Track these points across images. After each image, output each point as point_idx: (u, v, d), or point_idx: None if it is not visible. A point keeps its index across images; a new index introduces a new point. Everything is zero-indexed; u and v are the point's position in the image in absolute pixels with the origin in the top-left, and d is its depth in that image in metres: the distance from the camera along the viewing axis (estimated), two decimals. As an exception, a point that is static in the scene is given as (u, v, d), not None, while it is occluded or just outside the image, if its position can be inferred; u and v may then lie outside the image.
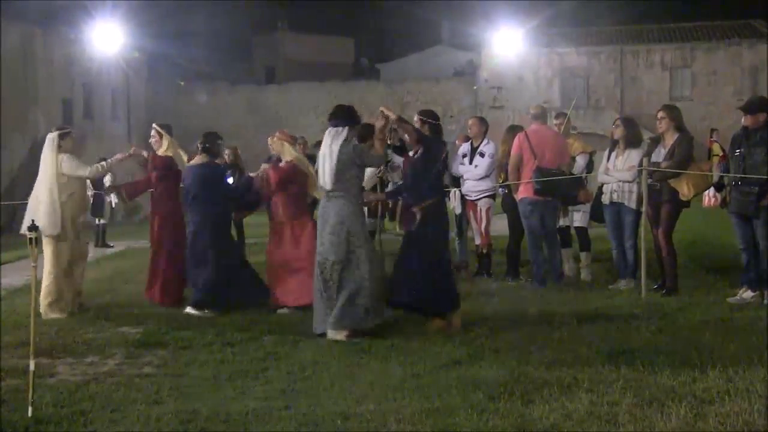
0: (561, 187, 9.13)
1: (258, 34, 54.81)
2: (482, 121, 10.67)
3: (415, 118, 7.87)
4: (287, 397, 5.39)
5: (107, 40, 30.27)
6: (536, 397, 5.13)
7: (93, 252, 16.23)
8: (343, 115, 7.39)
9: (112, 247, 17.76)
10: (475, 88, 36.51)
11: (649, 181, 8.50)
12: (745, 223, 8.09)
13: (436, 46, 47.82)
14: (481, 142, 10.31)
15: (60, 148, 8.71)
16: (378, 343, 6.79)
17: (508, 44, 36.58)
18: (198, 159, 8.83)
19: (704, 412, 4.74)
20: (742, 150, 8.02)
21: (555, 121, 10.45)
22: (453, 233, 10.93)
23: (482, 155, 10.19)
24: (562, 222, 10.00)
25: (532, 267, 9.51)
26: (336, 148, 7.20)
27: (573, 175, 9.53)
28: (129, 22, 30.75)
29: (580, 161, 9.96)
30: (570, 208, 9.86)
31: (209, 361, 6.43)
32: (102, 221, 18.12)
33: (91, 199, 17.86)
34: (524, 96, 34.62)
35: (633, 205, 8.93)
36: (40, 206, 8.50)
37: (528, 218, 9.36)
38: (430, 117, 7.83)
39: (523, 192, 9.32)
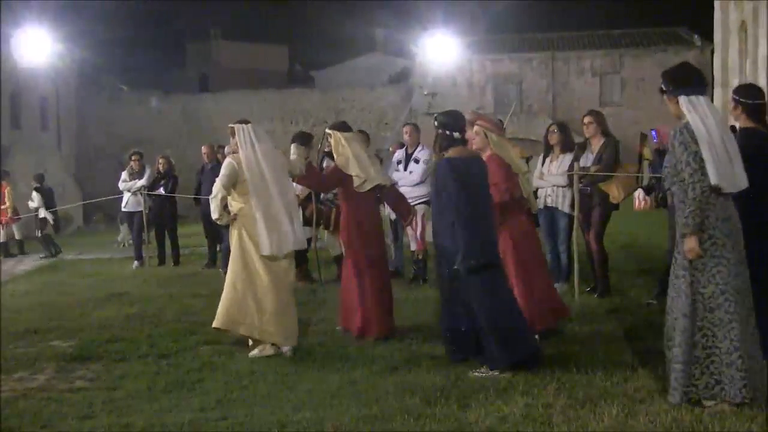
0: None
1: (191, 42, 54.26)
2: (416, 127, 10.74)
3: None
4: (223, 407, 5.35)
5: (35, 47, 29.52)
6: (472, 401, 5.18)
7: (25, 265, 15.88)
8: None
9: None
10: (426, 93, 36.48)
11: (580, 185, 8.66)
12: None
13: (371, 53, 47.97)
14: (416, 149, 10.40)
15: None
16: (314, 351, 6.78)
17: (441, 51, 36.85)
18: (458, 151, 6.23)
19: (635, 410, 4.84)
20: None
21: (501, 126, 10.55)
22: (388, 239, 10.99)
23: (417, 161, 10.28)
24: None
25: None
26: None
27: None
28: (57, 29, 30.03)
29: (518, 167, 10.09)
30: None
31: (144, 373, 6.33)
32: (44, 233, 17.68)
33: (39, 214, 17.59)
34: (458, 102, 34.87)
35: (566, 210, 9.08)
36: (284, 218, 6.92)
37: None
38: None
39: (458, 197, 9.38)
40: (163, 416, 5.20)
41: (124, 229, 18.91)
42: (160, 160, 14.23)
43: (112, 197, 15.65)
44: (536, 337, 6.48)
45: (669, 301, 5.03)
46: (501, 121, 10.71)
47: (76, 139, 37.06)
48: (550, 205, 9.19)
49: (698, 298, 4.83)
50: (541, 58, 38.07)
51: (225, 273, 7.39)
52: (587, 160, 8.82)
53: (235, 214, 7.00)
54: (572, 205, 8.90)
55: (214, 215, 7.12)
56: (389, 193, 7.93)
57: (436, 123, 6.32)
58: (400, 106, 37.57)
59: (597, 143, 8.85)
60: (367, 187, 7.51)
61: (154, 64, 48.76)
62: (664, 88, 5.09)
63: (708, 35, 36.14)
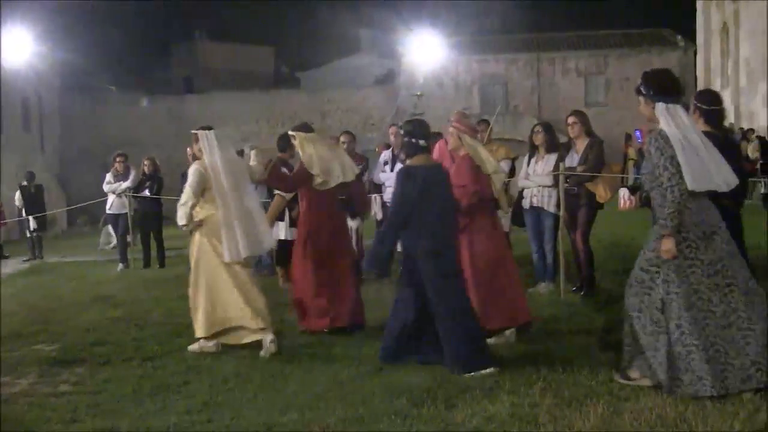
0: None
1: (176, 43, 54.08)
2: (403, 128, 10.72)
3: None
4: (209, 410, 5.32)
5: (16, 48, 29.30)
6: (459, 401, 5.18)
7: (7, 268, 15.78)
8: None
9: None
10: (418, 94, 36.45)
11: (566, 185, 8.69)
12: None
13: (357, 54, 47.94)
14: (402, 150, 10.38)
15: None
16: (301, 352, 6.77)
17: (427, 52, 36.92)
18: (420, 159, 6.32)
19: (620, 409, 4.86)
20: None
21: (477, 128, 10.56)
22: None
23: (402, 162, 10.26)
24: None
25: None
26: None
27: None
28: (39, 29, 29.83)
29: (504, 167, 10.08)
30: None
31: (128, 376, 6.30)
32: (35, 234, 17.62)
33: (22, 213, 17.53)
34: (445, 103, 34.99)
35: (552, 209, 9.09)
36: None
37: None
38: None
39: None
40: (148, 420, 5.17)
41: (104, 233, 18.87)
42: (146, 162, 14.17)
43: (97, 200, 15.55)
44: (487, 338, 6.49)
45: (638, 297, 5.22)
46: (486, 121, 10.76)
47: (59, 140, 36.87)
48: (536, 205, 9.20)
49: (673, 297, 5.02)
50: (526, 59, 38.25)
51: None
52: (572, 160, 8.85)
53: (201, 221, 7.04)
54: (558, 205, 8.92)
55: (182, 221, 7.10)
56: (349, 188, 8.09)
57: (402, 131, 6.48)
58: (386, 106, 37.63)
59: (581, 143, 8.88)
60: (331, 184, 7.71)
61: (139, 65, 48.63)
62: (643, 91, 5.27)
63: (691, 36, 36.42)
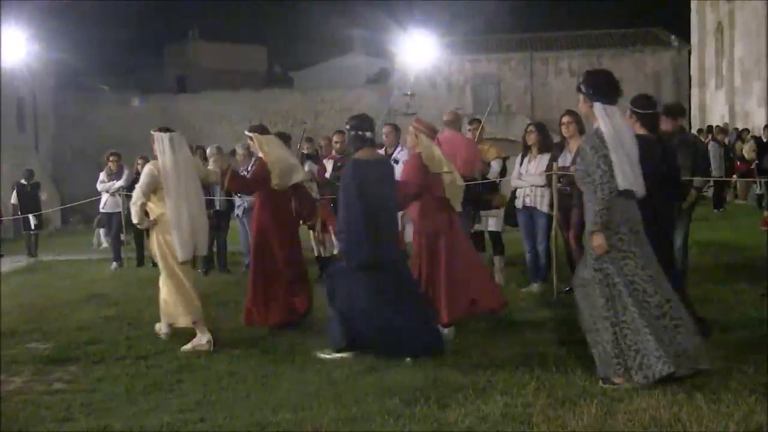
0: (473, 193, 9.24)
1: (169, 42, 53.98)
2: (396, 128, 10.72)
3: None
4: (203, 409, 5.33)
5: (11, 47, 29.22)
6: (452, 401, 5.19)
7: (2, 266, 15.72)
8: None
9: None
10: (408, 93, 36.41)
11: (559, 185, 8.70)
12: None
13: (350, 54, 47.94)
14: (395, 149, 10.37)
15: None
16: (294, 351, 6.77)
17: (420, 51, 36.92)
18: (367, 153, 6.66)
19: (614, 409, 4.87)
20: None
21: (469, 127, 10.57)
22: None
23: (396, 162, 10.24)
24: (477, 227, 10.12)
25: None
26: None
27: (486, 180, 9.67)
28: (34, 29, 29.75)
29: (495, 167, 10.10)
30: (483, 213, 9.98)
31: (122, 375, 6.31)
32: (33, 232, 17.59)
33: (18, 212, 17.47)
34: (437, 102, 35.01)
35: (545, 209, 9.11)
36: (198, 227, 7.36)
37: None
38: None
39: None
40: (141, 418, 5.17)
41: (97, 234, 18.85)
42: (139, 161, 14.11)
43: (91, 199, 15.51)
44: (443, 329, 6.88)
45: (584, 293, 5.55)
46: (478, 120, 10.77)
47: (53, 139, 36.76)
48: (529, 205, 9.22)
49: (620, 289, 5.29)
50: (519, 59, 38.24)
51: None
52: (565, 160, 8.86)
53: (155, 219, 7.35)
54: (551, 205, 8.94)
55: (135, 219, 7.50)
56: (298, 191, 8.16)
57: (348, 126, 6.70)
58: (379, 106, 37.54)
59: (575, 143, 8.87)
60: (288, 185, 7.92)
61: (132, 64, 48.53)
62: (583, 90, 5.55)
63: (685, 36, 36.47)
